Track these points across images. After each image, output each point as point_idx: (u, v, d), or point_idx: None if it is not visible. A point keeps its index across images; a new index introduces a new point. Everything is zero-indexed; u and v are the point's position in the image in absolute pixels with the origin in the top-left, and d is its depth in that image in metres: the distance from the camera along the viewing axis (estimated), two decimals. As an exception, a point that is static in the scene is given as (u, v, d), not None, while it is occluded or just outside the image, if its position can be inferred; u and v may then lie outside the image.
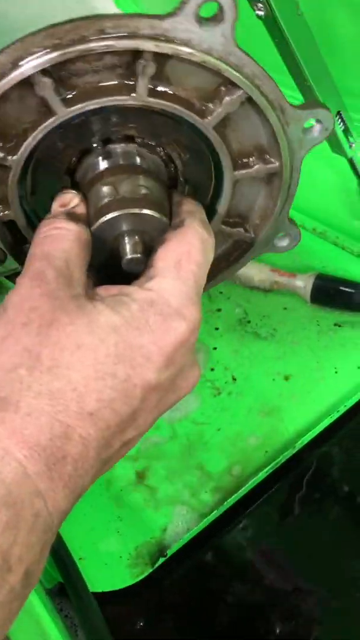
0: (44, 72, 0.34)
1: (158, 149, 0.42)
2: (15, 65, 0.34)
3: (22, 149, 0.37)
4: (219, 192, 0.43)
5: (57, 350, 0.30)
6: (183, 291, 0.34)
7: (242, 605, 0.52)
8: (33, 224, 0.42)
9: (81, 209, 0.37)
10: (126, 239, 0.37)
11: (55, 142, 0.39)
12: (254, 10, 0.46)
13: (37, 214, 0.43)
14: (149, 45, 0.34)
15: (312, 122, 0.41)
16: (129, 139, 0.40)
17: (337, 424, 0.59)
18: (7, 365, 0.30)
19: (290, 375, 0.65)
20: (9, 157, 0.37)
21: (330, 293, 0.69)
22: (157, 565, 0.52)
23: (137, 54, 0.35)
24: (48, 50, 0.34)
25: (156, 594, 0.52)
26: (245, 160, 0.42)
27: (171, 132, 0.40)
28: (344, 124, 0.56)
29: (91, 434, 0.30)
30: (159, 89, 0.37)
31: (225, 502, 0.54)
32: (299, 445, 0.57)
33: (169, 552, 0.52)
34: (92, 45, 0.34)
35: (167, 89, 0.37)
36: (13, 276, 0.44)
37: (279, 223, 0.46)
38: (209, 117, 0.38)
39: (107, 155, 0.40)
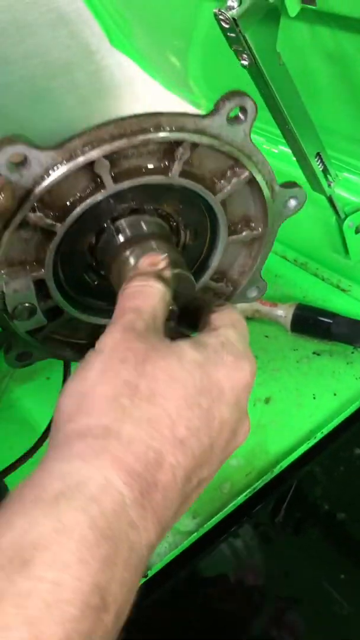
0: (105, 155, 0.40)
1: (160, 211, 0.48)
2: (85, 149, 0.40)
3: (69, 217, 0.42)
4: (211, 251, 0.51)
5: (153, 382, 0.33)
6: (243, 341, 0.38)
7: (220, 627, 0.53)
8: (60, 286, 0.47)
9: (167, 273, 0.41)
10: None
11: (82, 222, 0.44)
12: (239, 60, 0.49)
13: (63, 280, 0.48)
14: (194, 138, 0.42)
15: (288, 199, 0.49)
16: (136, 210, 0.46)
17: (316, 448, 0.61)
18: (109, 394, 0.32)
19: (271, 400, 0.67)
20: (57, 224, 0.42)
21: (310, 323, 0.72)
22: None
23: (177, 143, 0.43)
24: (115, 138, 0.40)
25: (135, 614, 0.53)
26: (234, 227, 0.49)
27: (177, 201, 0.48)
28: (323, 164, 0.59)
29: (180, 462, 0.31)
30: (185, 169, 0.44)
31: (206, 524, 0.55)
32: (278, 469, 0.59)
33: (150, 573, 0.54)
34: (151, 136, 0.41)
35: (190, 170, 0.44)
36: (35, 331, 0.47)
37: (253, 277, 0.53)
38: (219, 194, 0.46)
39: (120, 230, 0.46)
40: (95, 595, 0.25)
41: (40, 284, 0.45)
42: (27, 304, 0.44)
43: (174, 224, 0.49)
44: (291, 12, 0.47)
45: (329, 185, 0.61)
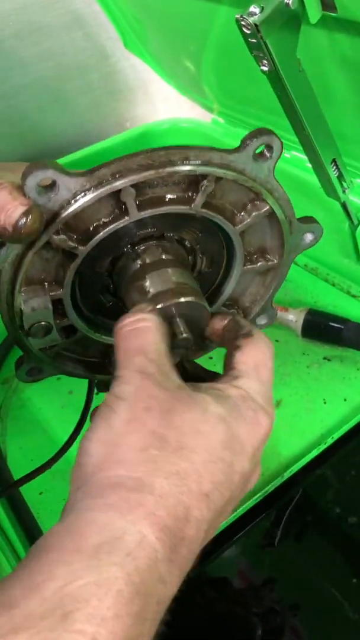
0: (132, 184, 0.41)
1: (179, 239, 0.49)
2: (114, 177, 0.40)
3: (92, 241, 0.42)
4: (225, 279, 0.51)
5: (180, 434, 0.33)
6: (264, 392, 0.38)
7: (224, 630, 0.53)
8: (76, 305, 0.47)
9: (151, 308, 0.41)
10: (178, 321, 0.42)
11: (102, 247, 0.44)
12: (259, 66, 0.49)
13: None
14: (219, 172, 0.42)
15: (305, 233, 0.50)
16: (156, 237, 0.47)
17: (326, 453, 0.61)
18: (138, 445, 0.32)
19: (281, 405, 0.67)
20: (80, 247, 0.42)
21: (321, 328, 0.72)
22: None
23: (202, 176, 0.43)
24: (143, 169, 0.41)
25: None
26: (250, 257, 0.50)
27: (196, 230, 0.49)
28: (338, 171, 0.59)
29: (204, 516, 0.31)
30: (207, 200, 0.44)
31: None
32: (288, 474, 0.59)
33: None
34: (177, 169, 0.41)
35: (212, 201, 0.45)
36: (47, 348, 0.48)
37: (264, 306, 0.54)
38: (239, 225, 0.46)
39: (139, 255, 0.47)
40: None
41: (56, 303, 0.45)
42: (43, 323, 0.44)
43: (192, 251, 0.49)
44: (312, 18, 0.47)
45: (344, 192, 0.62)
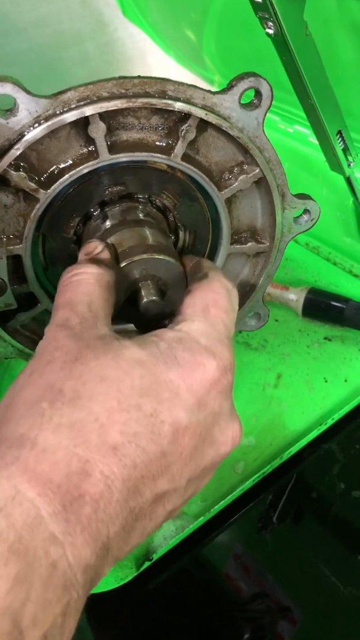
0: (101, 116, 0.36)
1: (155, 202, 0.44)
2: (81, 103, 0.36)
3: (55, 184, 0.38)
4: (211, 259, 0.46)
5: (79, 384, 0.29)
6: (212, 333, 0.34)
7: (222, 612, 0.52)
8: (36, 272, 0.43)
9: (105, 255, 0.37)
10: (143, 284, 0.38)
11: (68, 201, 0.40)
12: (264, 29, 0.47)
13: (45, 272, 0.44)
14: (200, 112, 0.38)
15: (301, 212, 0.45)
16: (129, 197, 0.43)
17: (325, 435, 0.60)
18: (30, 399, 0.29)
19: (280, 385, 0.66)
20: (41, 190, 0.38)
21: (322, 307, 0.70)
22: (142, 568, 0.52)
23: (181, 119, 0.38)
24: (115, 97, 0.36)
25: (139, 597, 0.52)
26: (239, 236, 0.45)
27: (175, 194, 0.43)
28: (344, 142, 0.57)
29: (115, 472, 0.27)
30: (189, 153, 0.40)
31: (212, 509, 0.54)
32: (287, 455, 0.58)
33: (155, 556, 0.53)
34: (153, 101, 0.37)
35: (195, 156, 0.40)
36: (4, 320, 0.44)
37: (254, 302, 0.49)
38: (225, 190, 0.41)
39: (107, 216, 0.42)
40: (5, 621, 0.22)
41: (16, 266, 0.41)
42: None
43: (172, 219, 0.45)
44: (321, -22, 0.45)
45: (349, 165, 0.59)
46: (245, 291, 0.48)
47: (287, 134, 0.78)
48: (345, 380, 0.65)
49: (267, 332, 0.70)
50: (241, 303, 0.48)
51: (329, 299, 0.70)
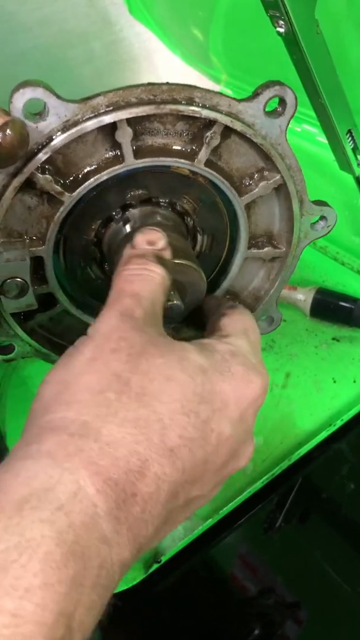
0: (128, 122, 0.37)
1: (176, 207, 0.44)
2: (110, 108, 0.36)
3: (80, 188, 0.38)
4: (228, 264, 0.47)
5: (146, 380, 0.29)
6: (256, 354, 0.35)
7: (230, 611, 0.52)
8: (56, 273, 0.43)
9: (167, 254, 0.37)
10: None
11: (91, 205, 0.40)
12: (275, 27, 0.47)
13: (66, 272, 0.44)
14: (225, 119, 0.38)
15: (318, 218, 0.46)
16: (150, 201, 0.43)
17: (334, 435, 0.60)
18: (96, 387, 0.29)
19: (288, 385, 0.65)
20: (66, 193, 0.38)
21: (330, 307, 0.70)
22: (150, 570, 0.52)
23: (206, 126, 0.39)
24: (143, 103, 0.37)
25: (148, 599, 0.52)
26: (256, 241, 0.46)
27: (196, 198, 0.44)
28: (354, 142, 0.56)
29: (167, 474, 0.28)
30: (212, 159, 0.40)
31: (221, 511, 0.54)
32: (296, 456, 0.57)
33: (163, 559, 0.52)
34: (181, 107, 0.37)
35: (217, 162, 0.41)
36: (23, 318, 0.44)
37: (267, 305, 0.49)
38: (245, 196, 0.42)
39: (129, 219, 0.43)
40: (61, 626, 0.22)
41: (37, 267, 0.41)
42: (18, 279, 0.40)
43: (191, 223, 0.45)
44: (332, -24, 0.44)
45: (359, 165, 0.59)
46: (260, 295, 0.49)
47: (295, 133, 0.78)
48: (354, 381, 0.64)
49: (274, 333, 0.69)
50: (255, 306, 0.49)
51: (337, 299, 0.70)
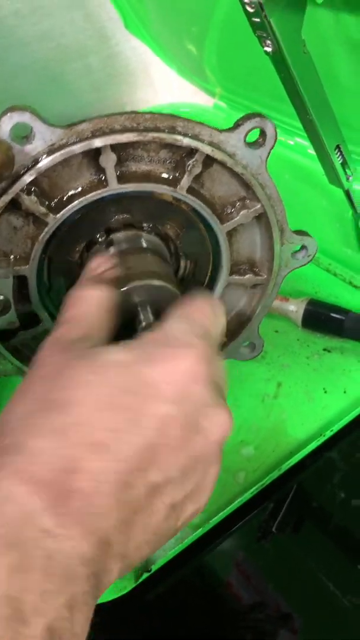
0: (113, 147, 0.38)
1: (159, 231, 0.45)
2: (94, 134, 0.38)
3: (64, 210, 0.40)
4: (210, 290, 0.48)
5: (67, 391, 0.31)
6: (189, 329, 0.34)
7: (222, 622, 0.52)
8: (40, 292, 0.44)
9: (110, 274, 0.38)
10: (142, 309, 0.39)
11: (75, 227, 0.41)
12: (262, 47, 0.48)
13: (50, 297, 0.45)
14: (206, 149, 0.40)
15: (299, 247, 0.47)
16: (133, 226, 0.44)
17: (324, 447, 0.60)
18: (24, 412, 0.31)
19: (280, 395, 0.66)
20: (51, 215, 0.39)
21: (321, 319, 0.70)
22: (141, 579, 0.52)
23: (189, 154, 0.40)
24: (127, 130, 0.38)
25: (138, 609, 0.53)
26: (237, 268, 0.47)
27: (179, 224, 0.45)
28: (342, 157, 0.58)
29: (102, 467, 0.29)
30: (194, 187, 0.41)
31: (212, 520, 0.55)
32: (287, 466, 0.58)
33: (154, 567, 0.53)
34: (163, 135, 0.39)
35: (199, 190, 0.42)
36: (5, 337, 0.45)
37: (249, 332, 0.50)
38: (227, 223, 0.43)
39: (112, 242, 0.44)
40: (4, 606, 0.24)
41: (21, 285, 0.42)
42: (1, 297, 0.41)
43: (173, 248, 0.46)
44: (318, -2, 0.45)
45: (348, 179, 0.60)
46: (242, 321, 0.50)
47: (288, 146, 0.79)
48: (345, 392, 0.65)
49: (266, 343, 0.70)
50: (237, 333, 0.50)
51: (329, 311, 0.70)
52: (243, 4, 0.45)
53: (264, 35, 0.46)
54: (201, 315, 0.36)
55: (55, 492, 0.28)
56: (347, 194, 0.62)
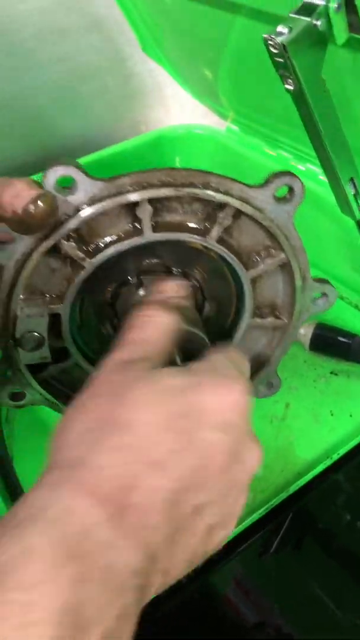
0: (149, 200, 0.40)
1: (187, 275, 0.48)
2: (133, 188, 0.40)
3: (100, 255, 0.42)
4: (232, 330, 0.50)
5: (127, 411, 0.32)
6: (232, 366, 0.37)
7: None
8: (71, 329, 0.46)
9: (182, 302, 0.40)
10: (177, 353, 0.41)
11: (109, 269, 0.44)
12: (284, 85, 0.49)
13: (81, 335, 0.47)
14: (237, 203, 0.42)
15: (319, 295, 0.49)
16: (160, 269, 0.46)
17: (330, 469, 0.62)
18: (82, 428, 0.33)
19: (287, 417, 0.67)
20: (88, 259, 0.41)
21: (329, 342, 0.72)
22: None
23: (219, 207, 0.43)
24: (163, 185, 0.40)
25: (142, 628, 0.53)
26: (260, 311, 0.49)
27: (206, 269, 0.47)
28: (356, 189, 0.59)
29: (160, 484, 0.31)
30: (223, 237, 0.44)
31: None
32: (294, 488, 0.59)
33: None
34: (197, 191, 0.41)
35: (227, 239, 0.44)
36: (36, 370, 0.46)
37: (268, 372, 0.53)
38: (252, 270, 0.45)
39: (143, 284, 0.46)
40: (67, 614, 0.25)
41: (54, 323, 0.44)
42: (36, 333, 0.43)
43: (200, 294, 0.48)
44: (339, 40, 0.47)
45: (360, 209, 0.62)
46: (261, 361, 0.52)
47: (300, 172, 0.80)
48: (351, 415, 0.67)
49: (275, 365, 0.72)
50: (256, 373, 0.52)
51: (336, 335, 0.72)
52: (267, 45, 0.47)
53: (287, 74, 0.48)
54: (237, 356, 0.39)
55: (114, 506, 0.29)
56: (358, 224, 0.64)
